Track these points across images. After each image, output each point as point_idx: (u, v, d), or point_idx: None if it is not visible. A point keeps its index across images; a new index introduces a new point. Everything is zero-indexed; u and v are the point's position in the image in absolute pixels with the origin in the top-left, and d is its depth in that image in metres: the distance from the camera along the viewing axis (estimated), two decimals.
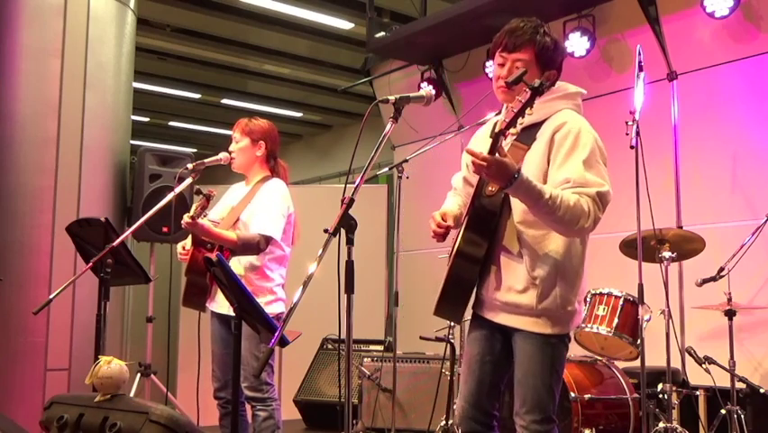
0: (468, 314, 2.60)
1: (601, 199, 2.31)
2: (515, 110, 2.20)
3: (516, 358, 2.45)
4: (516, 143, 2.43)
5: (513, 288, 2.41)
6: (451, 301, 2.48)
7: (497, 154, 2.22)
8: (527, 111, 2.21)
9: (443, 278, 2.48)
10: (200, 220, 3.22)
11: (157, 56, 8.76)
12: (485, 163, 2.18)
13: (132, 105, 5.38)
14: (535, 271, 2.38)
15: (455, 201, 2.71)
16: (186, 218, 3.20)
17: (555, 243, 2.39)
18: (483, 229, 2.42)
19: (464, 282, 2.46)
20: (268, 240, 3.37)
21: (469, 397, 2.53)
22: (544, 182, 2.35)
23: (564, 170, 2.34)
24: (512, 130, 2.23)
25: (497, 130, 2.21)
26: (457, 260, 2.43)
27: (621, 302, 4.08)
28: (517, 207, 2.39)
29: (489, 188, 2.42)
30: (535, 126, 2.43)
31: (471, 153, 2.21)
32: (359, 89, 8.41)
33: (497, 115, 2.74)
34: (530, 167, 2.37)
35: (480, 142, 2.58)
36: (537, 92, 2.19)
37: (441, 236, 2.52)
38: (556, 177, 2.34)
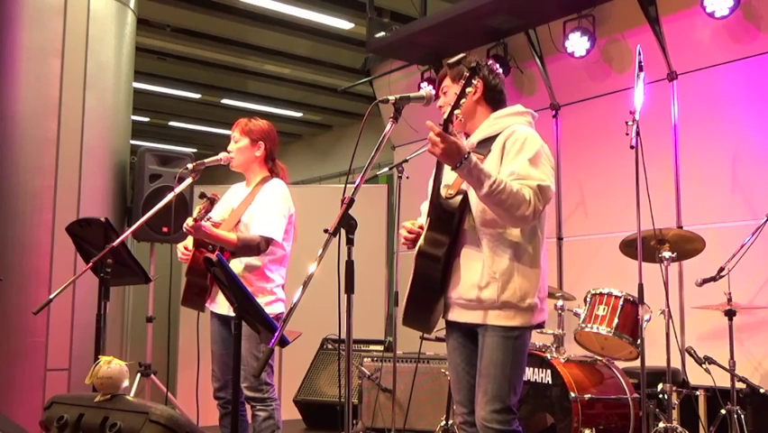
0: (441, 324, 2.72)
1: (542, 192, 2.48)
2: (456, 93, 2.39)
3: (480, 352, 2.58)
4: (474, 152, 2.56)
5: (476, 284, 2.55)
6: (418, 307, 2.62)
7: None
8: (468, 90, 2.40)
9: (409, 285, 2.61)
10: (201, 222, 3.22)
11: (157, 56, 8.77)
12: (438, 139, 2.34)
13: (132, 105, 5.38)
14: (495, 266, 2.54)
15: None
16: (189, 222, 3.20)
17: (512, 239, 2.55)
18: (444, 229, 2.57)
19: (429, 283, 2.59)
20: (268, 241, 3.38)
21: (466, 403, 2.66)
22: None
23: (510, 166, 2.52)
24: (455, 113, 2.39)
25: (445, 116, 2.37)
26: (420, 260, 2.57)
27: (621, 302, 4.08)
28: (476, 207, 2.56)
29: (448, 192, 2.57)
30: (491, 139, 2.64)
31: (430, 127, 2.36)
32: (359, 89, 8.41)
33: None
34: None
35: (442, 167, 2.73)
36: (475, 72, 2.40)
37: (412, 242, 2.66)
38: (503, 171, 2.53)
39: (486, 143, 2.63)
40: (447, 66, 2.75)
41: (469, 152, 2.37)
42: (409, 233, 2.67)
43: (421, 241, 2.57)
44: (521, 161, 2.51)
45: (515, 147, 2.55)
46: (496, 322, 2.54)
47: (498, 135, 2.63)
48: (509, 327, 2.54)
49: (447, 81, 2.77)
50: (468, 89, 2.40)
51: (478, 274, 2.55)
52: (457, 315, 2.63)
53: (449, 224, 2.56)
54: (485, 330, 2.57)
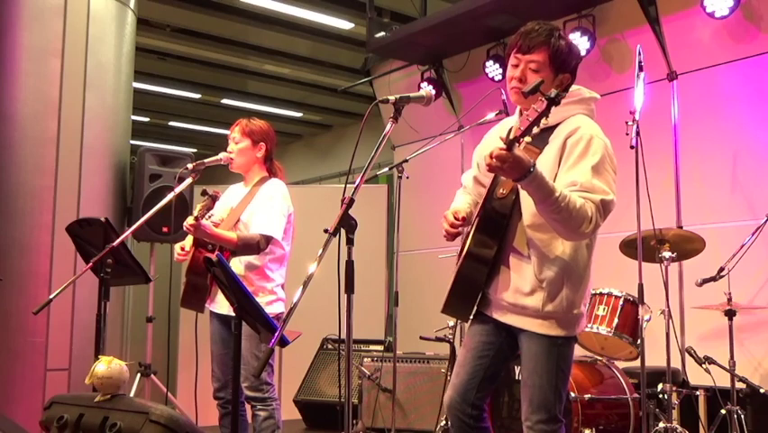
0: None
1: (604, 207, 2.32)
2: (530, 119, 2.15)
3: (522, 359, 2.47)
4: (528, 146, 2.42)
5: (520, 290, 2.42)
6: (459, 300, 2.50)
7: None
8: (543, 120, 2.17)
9: (452, 277, 2.49)
10: (202, 221, 3.22)
11: (157, 56, 8.76)
12: (499, 161, 2.14)
13: (132, 105, 5.38)
14: (543, 273, 2.39)
15: (465, 200, 2.69)
16: (190, 220, 3.20)
17: (563, 246, 2.40)
18: (493, 231, 2.43)
19: (473, 283, 2.47)
20: (268, 240, 3.38)
21: (459, 388, 2.53)
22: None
23: (572, 174, 2.35)
24: (526, 138, 2.21)
25: (511, 137, 2.17)
26: (466, 261, 2.44)
27: (621, 302, 4.08)
28: (527, 209, 2.39)
29: (501, 191, 2.43)
30: (548, 130, 2.42)
31: (490, 154, 2.16)
32: (359, 89, 8.41)
33: (498, 114, 2.76)
34: (542, 170, 2.31)
35: (493, 142, 2.59)
36: (553, 102, 2.15)
37: (453, 236, 2.52)
38: (564, 179, 2.35)
39: (543, 134, 2.39)
40: (522, 36, 2.45)
41: (534, 164, 2.18)
42: (452, 226, 2.51)
43: (469, 241, 2.43)
44: (584, 169, 2.33)
45: (578, 149, 2.36)
46: (539, 330, 2.42)
47: (556, 126, 2.43)
48: (553, 337, 2.42)
49: (542, 56, 2.45)
50: (543, 120, 2.16)
51: (523, 280, 2.42)
52: (496, 314, 2.50)
53: (499, 226, 2.42)
54: (526, 334, 2.45)
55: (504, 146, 2.13)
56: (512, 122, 2.64)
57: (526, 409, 2.43)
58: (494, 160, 2.15)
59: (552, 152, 2.40)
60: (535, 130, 2.18)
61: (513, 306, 2.45)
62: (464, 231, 2.56)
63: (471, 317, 2.59)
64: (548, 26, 2.50)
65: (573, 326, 2.45)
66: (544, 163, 2.39)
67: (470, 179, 2.71)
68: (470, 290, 2.48)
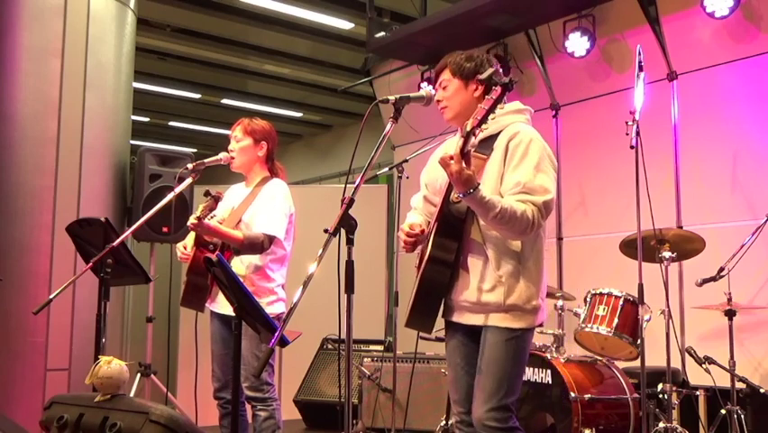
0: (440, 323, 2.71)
1: (546, 208, 2.49)
2: (486, 108, 2.34)
3: (480, 350, 2.57)
4: (475, 154, 2.55)
5: (481, 288, 2.55)
6: (422, 311, 2.61)
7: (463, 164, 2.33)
8: (498, 107, 2.36)
9: (414, 288, 2.59)
10: (206, 220, 3.22)
11: (157, 56, 8.77)
12: (452, 161, 2.31)
13: (132, 105, 5.38)
14: (501, 269, 2.53)
15: (418, 217, 2.85)
16: (192, 219, 3.20)
17: (517, 242, 2.55)
18: (452, 234, 2.56)
19: (436, 288, 2.59)
20: (271, 239, 3.38)
21: (463, 403, 2.64)
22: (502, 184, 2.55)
23: (516, 174, 2.52)
24: (482, 126, 2.35)
25: (468, 128, 2.33)
26: (429, 265, 2.56)
27: (621, 302, 4.08)
28: None
29: (455, 195, 2.54)
30: (492, 138, 2.61)
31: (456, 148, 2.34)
32: (359, 89, 8.41)
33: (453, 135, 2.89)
34: (491, 174, 2.56)
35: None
36: (507, 88, 2.36)
37: (412, 245, 2.65)
38: (509, 179, 2.53)
39: (487, 142, 2.60)
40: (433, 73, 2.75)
41: (478, 184, 2.37)
42: (408, 236, 2.64)
43: (430, 246, 2.55)
44: (527, 169, 2.50)
45: (519, 150, 2.53)
46: (501, 324, 2.54)
47: (498, 134, 2.60)
48: (513, 328, 2.54)
49: (446, 74, 2.74)
50: (498, 107, 2.36)
51: (482, 278, 2.55)
52: (461, 317, 2.62)
53: (458, 229, 2.56)
54: (488, 329, 2.56)
55: (458, 151, 2.31)
56: (455, 142, 2.71)
57: (479, 396, 2.52)
58: (446, 158, 2.31)
59: (497, 157, 2.57)
60: (491, 118, 2.36)
61: (475, 304, 2.56)
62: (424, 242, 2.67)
63: (446, 329, 2.72)
64: (453, 53, 2.81)
65: (532, 318, 2.57)
66: (492, 168, 2.58)
67: (420, 199, 2.90)
68: (435, 296, 2.60)
